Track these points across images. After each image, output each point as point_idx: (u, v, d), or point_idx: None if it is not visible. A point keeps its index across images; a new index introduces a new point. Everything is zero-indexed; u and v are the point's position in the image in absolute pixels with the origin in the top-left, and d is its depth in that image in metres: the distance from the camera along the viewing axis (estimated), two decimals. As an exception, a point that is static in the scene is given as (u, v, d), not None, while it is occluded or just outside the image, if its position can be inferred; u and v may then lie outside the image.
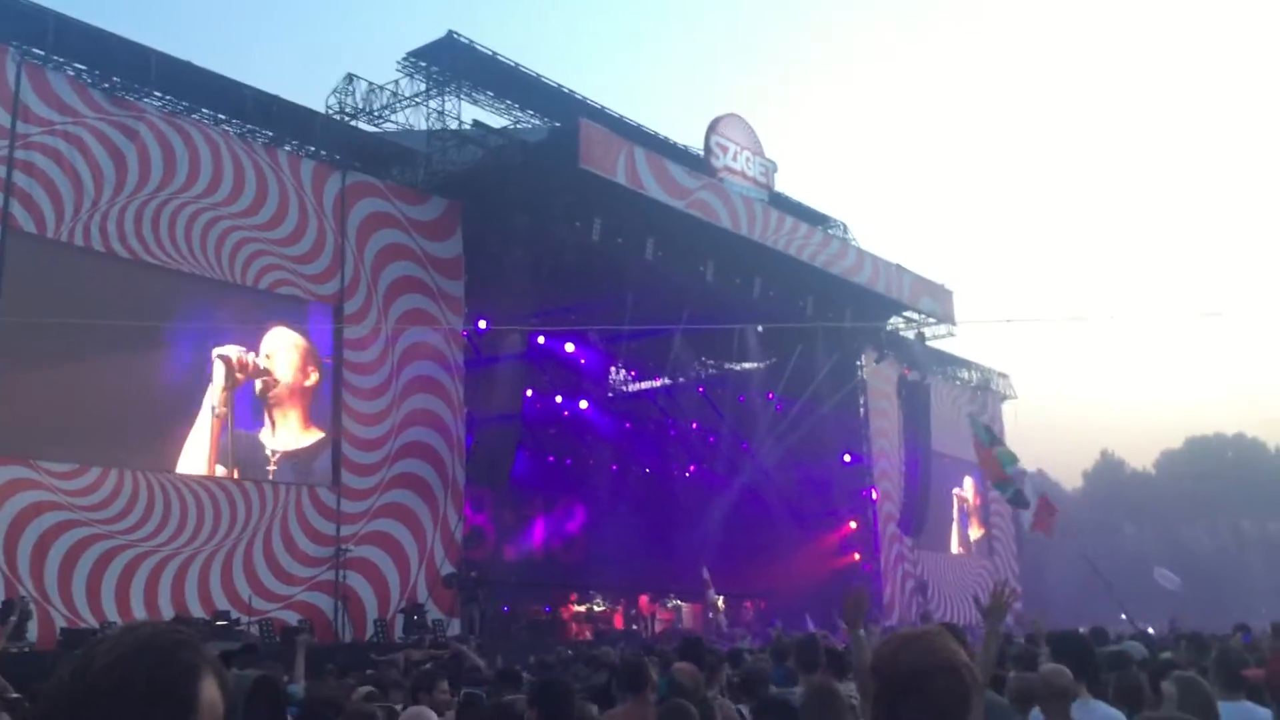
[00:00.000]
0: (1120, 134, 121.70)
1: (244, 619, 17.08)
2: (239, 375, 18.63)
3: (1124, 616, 22.92)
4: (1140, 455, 73.27)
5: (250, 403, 18.86)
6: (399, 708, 6.16)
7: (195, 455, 17.95)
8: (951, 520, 35.60)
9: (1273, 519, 57.32)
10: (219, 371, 18.33)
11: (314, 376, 19.68)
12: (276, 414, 19.17)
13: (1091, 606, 30.31)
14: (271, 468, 18.93)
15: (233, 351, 18.58)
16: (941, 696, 2.12)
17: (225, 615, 17.01)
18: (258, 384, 18.94)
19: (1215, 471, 60.22)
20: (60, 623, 15.26)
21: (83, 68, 17.84)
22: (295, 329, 19.59)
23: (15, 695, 5.93)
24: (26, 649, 13.76)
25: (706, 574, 25.55)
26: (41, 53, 17.17)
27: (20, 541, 15.38)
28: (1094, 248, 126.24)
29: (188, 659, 1.51)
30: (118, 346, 17.11)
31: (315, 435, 19.64)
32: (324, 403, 19.87)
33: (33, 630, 14.67)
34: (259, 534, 18.36)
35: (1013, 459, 15.71)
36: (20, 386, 15.69)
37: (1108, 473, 67.43)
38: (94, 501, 16.41)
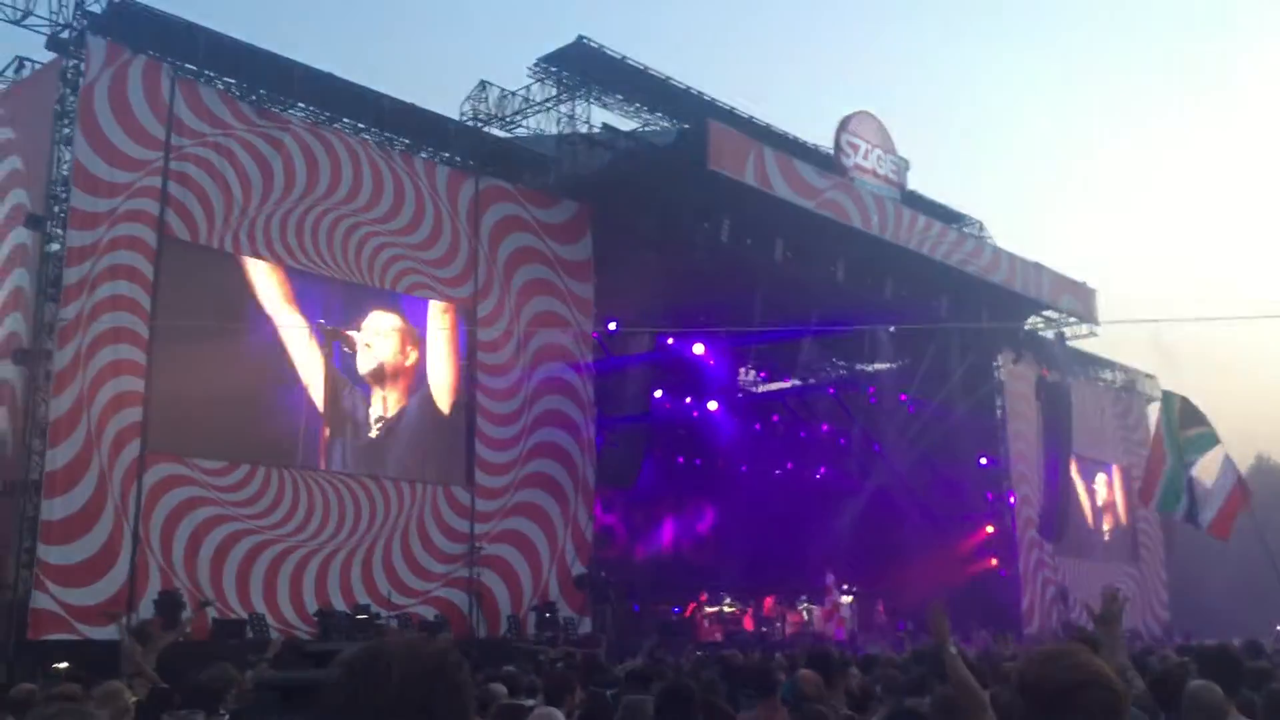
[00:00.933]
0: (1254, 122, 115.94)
1: (383, 613, 17.58)
2: (346, 350, 19.01)
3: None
4: (1298, 458, 69.46)
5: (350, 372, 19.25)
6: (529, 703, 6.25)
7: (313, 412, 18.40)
8: (1090, 523, 34.41)
9: None
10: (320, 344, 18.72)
11: (413, 356, 19.94)
12: (379, 391, 19.46)
13: (1252, 618, 28.95)
14: (373, 434, 19.25)
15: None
16: (1092, 712, 2.12)
17: (365, 609, 17.53)
18: (361, 360, 19.25)
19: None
20: (212, 614, 15.94)
21: (231, 81, 18.61)
22: (394, 312, 19.85)
23: (164, 686, 6.22)
24: (181, 639, 14.43)
25: (831, 579, 25.29)
26: (193, 68, 17.97)
27: (175, 536, 16.13)
28: (1245, 244, 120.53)
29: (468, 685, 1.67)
30: (263, 348, 17.83)
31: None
32: (419, 380, 20.14)
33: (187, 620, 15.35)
34: (397, 530, 18.87)
35: (1207, 443, 13.89)
36: (175, 387, 16.43)
37: (1263, 478, 64.26)
38: (243, 498, 17.10)
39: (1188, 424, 13.95)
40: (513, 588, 19.98)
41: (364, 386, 19.20)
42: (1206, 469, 14.29)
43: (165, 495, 16.15)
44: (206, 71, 18.24)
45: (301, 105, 19.47)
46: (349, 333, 19.04)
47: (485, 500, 20.05)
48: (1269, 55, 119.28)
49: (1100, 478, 34.62)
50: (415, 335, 19.95)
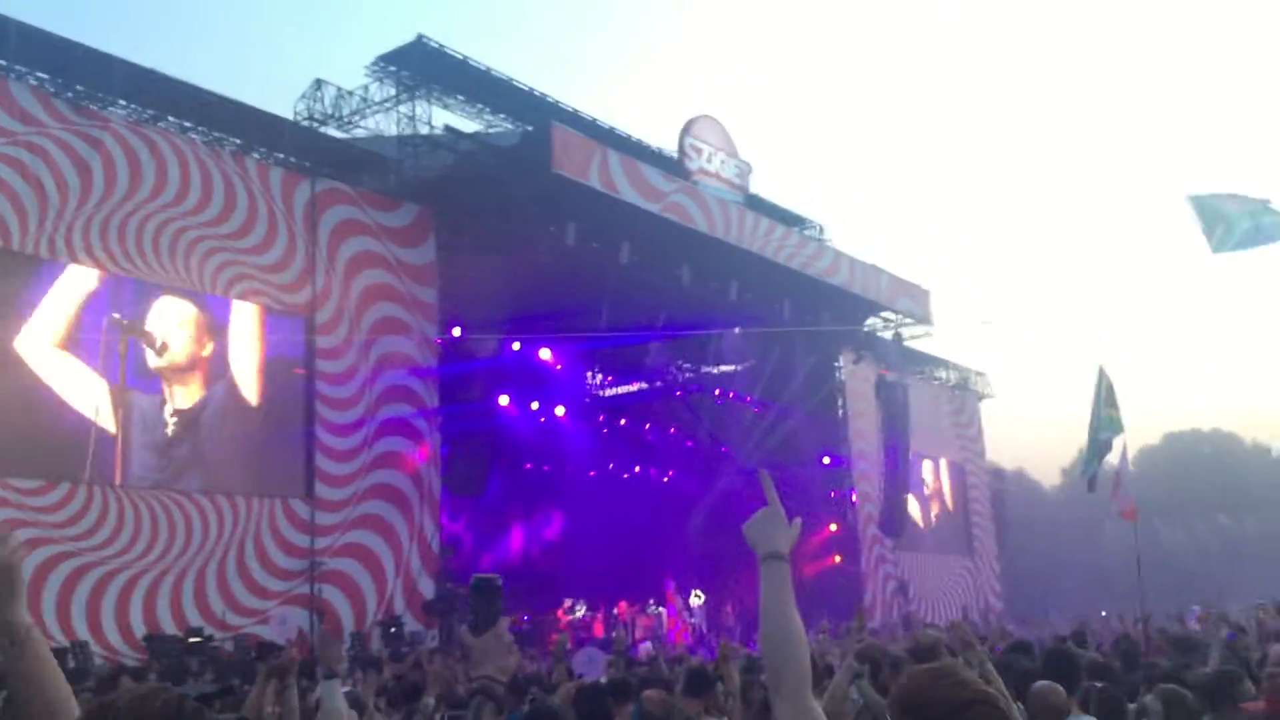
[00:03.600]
0: (1098, 127, 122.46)
1: (218, 635, 16.82)
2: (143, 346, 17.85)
3: (1104, 613, 22.90)
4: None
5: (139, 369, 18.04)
6: None
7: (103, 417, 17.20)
8: (925, 518, 35.56)
9: (1249, 513, 57.62)
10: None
11: (209, 346, 18.85)
12: (175, 383, 18.41)
13: (1078, 602, 30.36)
14: (169, 430, 18.17)
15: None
16: None
17: (199, 632, 16.74)
18: (150, 354, 18.00)
19: (1193, 467, 60.48)
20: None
21: (45, 77, 17.52)
22: (189, 300, 18.63)
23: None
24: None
25: (671, 585, 25.50)
26: (3, 62, 16.86)
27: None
28: (1070, 245, 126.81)
29: None
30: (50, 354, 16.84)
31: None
32: (219, 369, 19.06)
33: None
34: (231, 547, 18.09)
35: (1116, 426, 14.68)
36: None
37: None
38: (61, 518, 16.10)
39: (1110, 403, 14.59)
40: (356, 603, 19.40)
41: (153, 382, 18.01)
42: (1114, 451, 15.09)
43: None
44: (18, 66, 17.11)
45: (123, 102, 18.45)
46: (147, 329, 17.79)
47: (326, 513, 19.41)
48: (1094, 52, 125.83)
49: (927, 466, 35.69)
50: (212, 325, 18.77)
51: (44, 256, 16.59)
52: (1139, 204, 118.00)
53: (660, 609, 26.65)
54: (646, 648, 16.21)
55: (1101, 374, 14.81)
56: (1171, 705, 4.25)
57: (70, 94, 17.64)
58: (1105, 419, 14.56)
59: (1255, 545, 52.44)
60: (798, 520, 2.57)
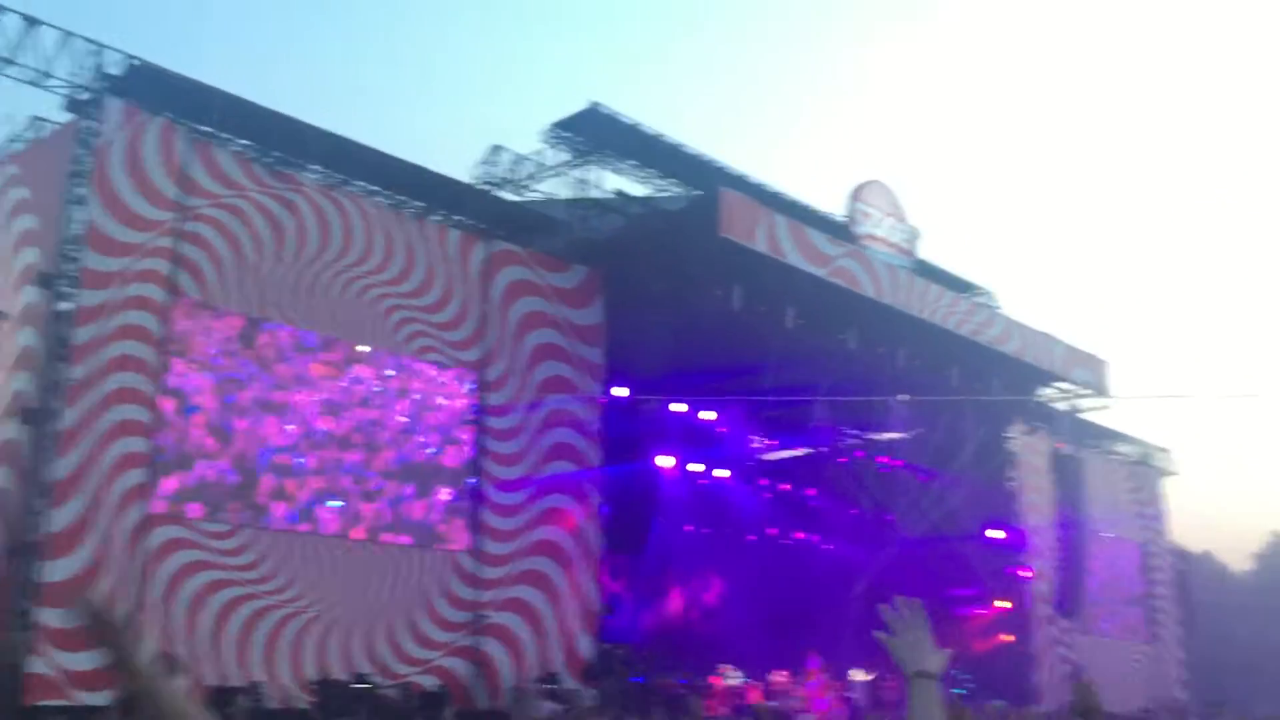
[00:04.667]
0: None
1: (382, 681, 17.23)
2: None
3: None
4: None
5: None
6: None
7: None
8: (1110, 601, 33.83)
9: None
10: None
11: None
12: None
13: (1270, 698, 28.32)
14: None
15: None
16: None
17: (365, 678, 17.20)
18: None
19: None
20: (210, 679, 15.62)
21: (246, 143, 18.70)
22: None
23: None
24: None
25: (817, 663, 25.04)
26: (209, 129, 18.07)
27: (177, 598, 15.88)
28: (1261, 317, 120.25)
29: None
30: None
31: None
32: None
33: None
34: (400, 597, 18.56)
35: None
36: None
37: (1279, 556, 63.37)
38: (244, 562, 16.87)
39: None
40: (516, 657, 19.62)
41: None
42: None
43: (167, 558, 15.95)
44: (221, 134, 18.33)
45: (315, 167, 19.53)
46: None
47: (490, 566, 19.76)
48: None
49: (1106, 545, 34.04)
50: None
51: (237, 310, 17.59)
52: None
53: (820, 678, 26.04)
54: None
55: None
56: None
57: (268, 159, 18.77)
58: None
59: None
60: (948, 652, 2.66)
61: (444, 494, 19.82)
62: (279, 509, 17.66)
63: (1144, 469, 36.84)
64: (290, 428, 18.05)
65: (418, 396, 19.84)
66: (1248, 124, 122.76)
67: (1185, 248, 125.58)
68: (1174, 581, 37.89)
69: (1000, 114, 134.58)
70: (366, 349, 19.14)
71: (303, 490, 18.02)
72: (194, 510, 16.60)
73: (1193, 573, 43.63)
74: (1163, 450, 37.91)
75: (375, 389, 19.22)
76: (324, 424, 18.47)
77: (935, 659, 2.59)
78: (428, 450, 19.77)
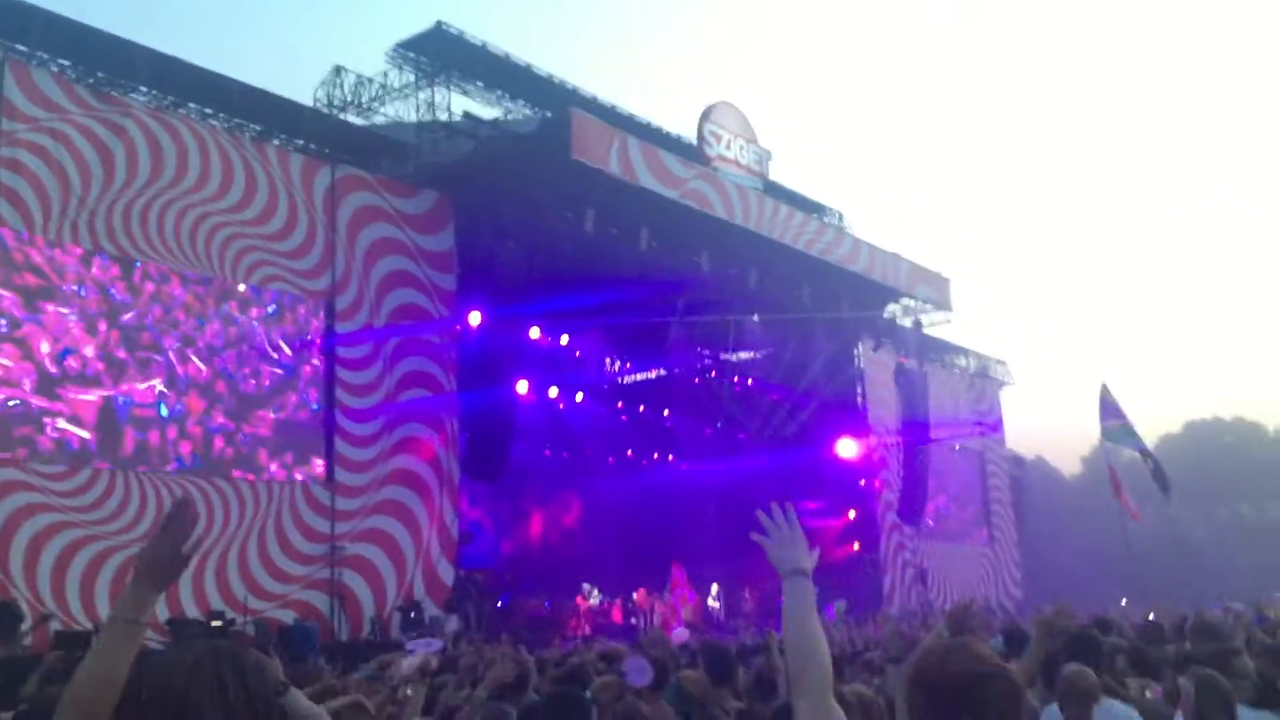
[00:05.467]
0: (1117, 119, 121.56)
1: (240, 619, 16.93)
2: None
3: (1124, 602, 22.85)
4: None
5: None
6: None
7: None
8: (951, 507, 35.49)
9: (1271, 502, 57.28)
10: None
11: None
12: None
13: (1098, 590, 30.24)
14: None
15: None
16: (997, 701, 2.15)
17: (221, 615, 16.85)
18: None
19: (1214, 456, 60.13)
20: (55, 625, 15.07)
21: (68, 64, 17.61)
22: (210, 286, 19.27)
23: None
24: (20, 652, 13.60)
25: (681, 574, 25.67)
26: (25, 49, 16.95)
27: (13, 543, 15.22)
28: (1088, 231, 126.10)
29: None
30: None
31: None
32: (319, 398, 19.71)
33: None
34: (253, 532, 18.20)
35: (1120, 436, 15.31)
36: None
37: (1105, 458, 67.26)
38: (86, 502, 16.25)
39: (1113, 415, 14.88)
40: (376, 588, 19.50)
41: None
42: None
43: (4, 499, 15.24)
44: (40, 53, 17.21)
45: (144, 89, 18.55)
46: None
47: (346, 499, 19.52)
48: (1117, 42, 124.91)
49: (946, 454, 35.53)
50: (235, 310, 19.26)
51: (66, 242, 16.69)
52: (1160, 187, 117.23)
53: (668, 595, 26.67)
54: (682, 633, 16.20)
55: (1105, 391, 14.96)
56: (1203, 687, 4.24)
57: (92, 80, 17.72)
58: (1115, 432, 14.81)
59: (1276, 534, 52.13)
60: (816, 551, 2.82)
61: (294, 425, 19.41)
62: (121, 444, 17.02)
63: (983, 380, 38.51)
64: (128, 360, 17.32)
65: (265, 326, 19.26)
66: (1079, 33, 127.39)
67: (1018, 164, 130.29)
68: (1010, 487, 39.96)
69: (845, 33, 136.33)
70: (207, 277, 18.43)
71: (144, 425, 17.38)
72: (26, 451, 15.86)
73: (1026, 478, 46.05)
74: (1000, 362, 39.69)
75: (219, 320, 18.56)
76: (166, 356, 17.78)
77: (808, 559, 2.74)
78: (276, 382, 19.27)
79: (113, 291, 17.24)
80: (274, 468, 18.94)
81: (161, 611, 16.38)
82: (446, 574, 20.83)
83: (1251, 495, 58.41)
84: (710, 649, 6.21)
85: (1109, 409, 14.90)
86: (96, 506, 16.37)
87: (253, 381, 18.95)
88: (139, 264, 17.55)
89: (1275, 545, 48.65)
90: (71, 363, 16.66)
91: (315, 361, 19.88)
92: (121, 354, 17.24)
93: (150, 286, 17.73)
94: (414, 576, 20.13)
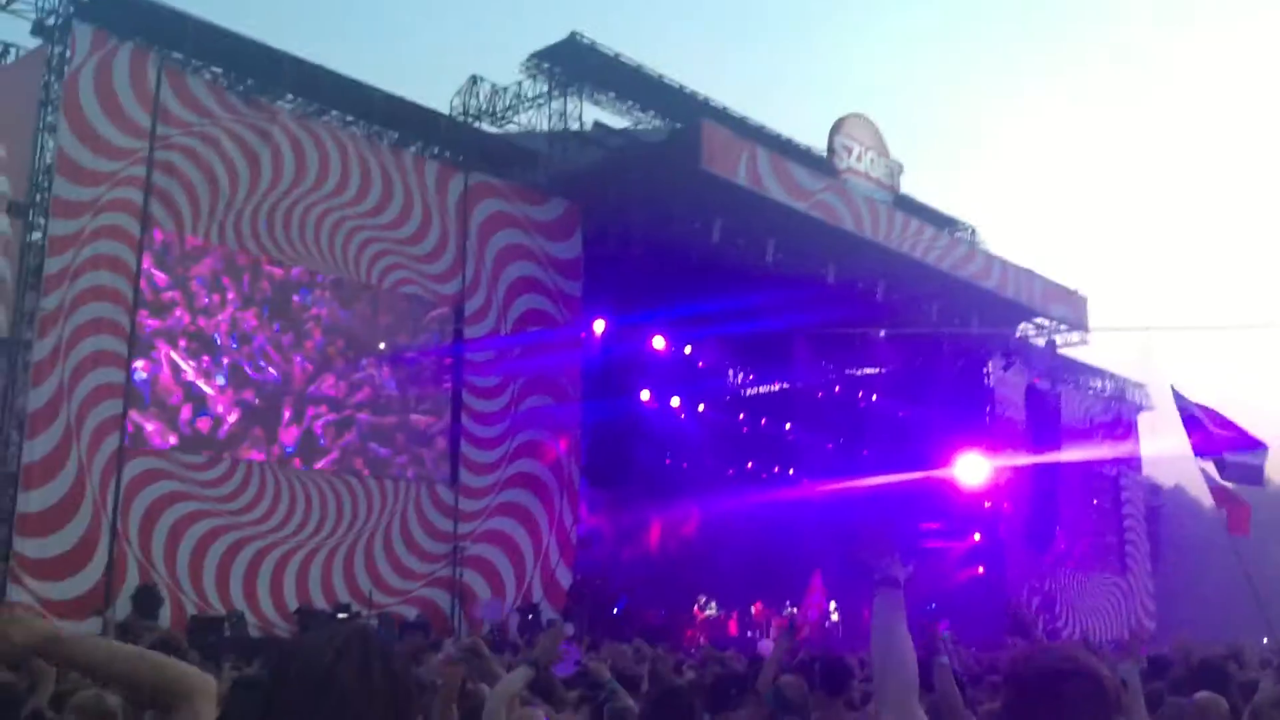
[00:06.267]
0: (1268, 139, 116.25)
1: (364, 612, 17.38)
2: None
3: (1265, 640, 21.75)
4: (1286, 471, 69.54)
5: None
6: None
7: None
8: (1082, 534, 34.33)
9: None
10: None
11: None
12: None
13: (1239, 624, 28.91)
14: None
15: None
16: (1077, 699, 2.14)
17: (346, 608, 17.34)
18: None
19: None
20: (190, 609, 15.72)
21: (219, 71, 18.40)
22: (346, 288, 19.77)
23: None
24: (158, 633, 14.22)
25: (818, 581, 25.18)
26: (181, 56, 17.75)
27: (155, 530, 15.91)
28: (1237, 253, 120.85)
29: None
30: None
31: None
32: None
33: (165, 616, 15.13)
34: (380, 529, 18.67)
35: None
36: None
37: (1255, 489, 64.21)
38: (224, 493, 16.90)
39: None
40: (495, 588, 19.80)
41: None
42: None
43: (144, 489, 15.94)
44: (194, 60, 18.02)
45: (290, 97, 19.26)
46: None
47: (469, 499, 19.87)
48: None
49: (1079, 478, 34.39)
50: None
51: (213, 242, 17.41)
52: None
53: (794, 610, 26.38)
54: (766, 645, 16.10)
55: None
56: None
57: (242, 88, 18.47)
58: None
59: None
60: (910, 566, 2.92)
61: (425, 427, 19.87)
62: (260, 440, 17.66)
63: (1120, 404, 37.18)
64: (266, 361, 17.98)
65: (398, 330, 19.78)
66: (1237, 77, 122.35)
67: (1163, 182, 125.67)
68: (1146, 516, 38.45)
69: (979, 45, 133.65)
70: (342, 279, 19.02)
71: (283, 422, 18.02)
72: (170, 440, 16.57)
73: (1164, 507, 44.26)
74: (1139, 386, 38.25)
75: (354, 321, 19.13)
76: (302, 356, 18.41)
77: (900, 570, 2.83)
78: (406, 383, 19.77)
79: (253, 291, 17.91)
80: (402, 466, 19.40)
81: (291, 601, 16.98)
82: (564, 578, 21.04)
83: None
84: (827, 661, 6.14)
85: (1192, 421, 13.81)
86: (233, 497, 17.00)
87: (384, 382, 19.47)
88: (280, 265, 18.21)
89: None
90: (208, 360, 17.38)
91: (444, 364, 20.31)
92: (263, 353, 17.90)
93: (289, 287, 18.38)
94: (533, 579, 20.39)
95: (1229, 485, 14.12)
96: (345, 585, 17.90)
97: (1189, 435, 13.64)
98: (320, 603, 17.31)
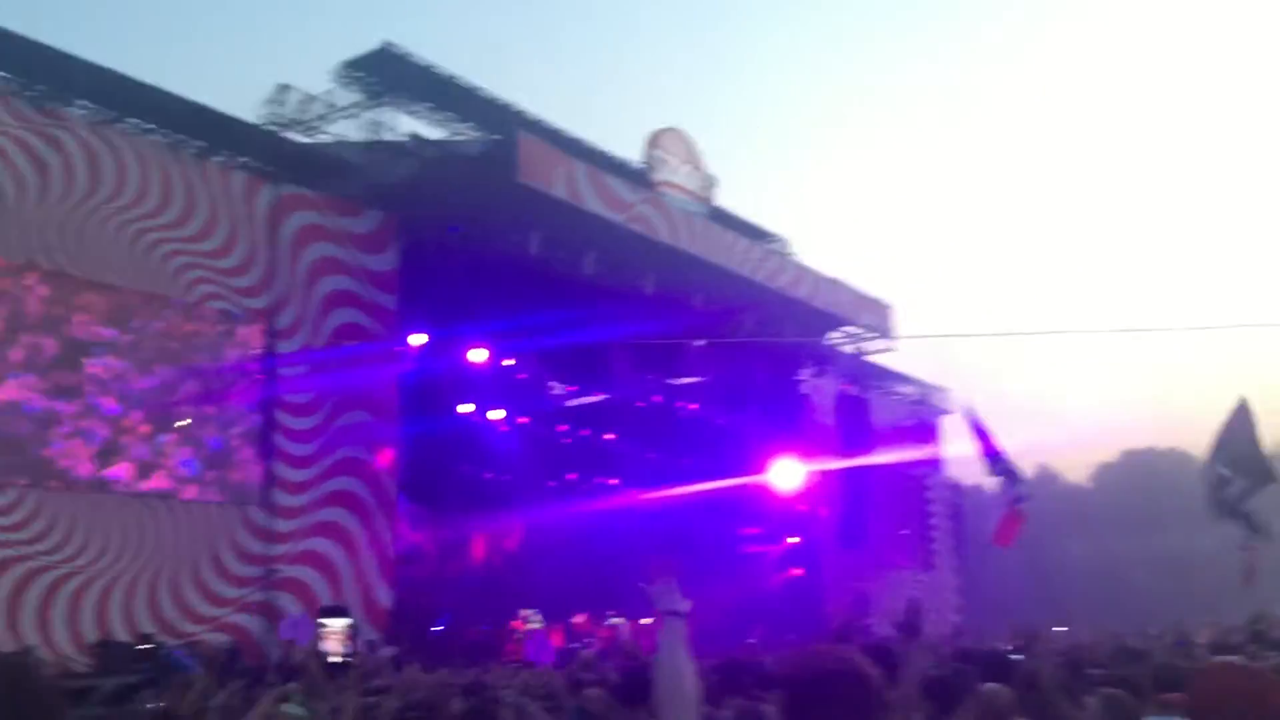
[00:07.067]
0: (1064, 151, 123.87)
1: (169, 642, 16.64)
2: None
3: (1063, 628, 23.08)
4: (1077, 469, 74.09)
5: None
6: None
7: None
8: (892, 533, 35.74)
9: (1199, 532, 58.28)
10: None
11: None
12: None
13: (1026, 621, 30.55)
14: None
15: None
16: (844, 698, 2.21)
17: (150, 638, 16.55)
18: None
19: (1149, 485, 61.14)
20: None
21: (6, 76, 17.34)
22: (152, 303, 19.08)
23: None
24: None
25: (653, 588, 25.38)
26: (-39, 60, 16.67)
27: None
28: (1033, 265, 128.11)
29: None
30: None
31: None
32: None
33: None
34: (187, 554, 17.92)
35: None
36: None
37: (1044, 486, 68.21)
38: (12, 521, 15.91)
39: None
40: (311, 611, 19.24)
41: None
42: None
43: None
44: (-22, 64, 16.94)
45: (84, 103, 18.29)
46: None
47: (283, 520, 19.28)
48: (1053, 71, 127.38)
49: (886, 480, 35.82)
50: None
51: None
52: (1101, 213, 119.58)
53: (619, 619, 26.54)
54: (589, 655, 16.17)
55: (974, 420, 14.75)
56: (1110, 708, 4.33)
57: (30, 93, 17.46)
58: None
59: (1205, 563, 53.06)
60: (689, 602, 3.16)
61: (234, 446, 19.16)
62: (53, 465, 16.69)
63: (923, 407, 38.90)
64: (62, 381, 17.02)
65: (203, 344, 19.01)
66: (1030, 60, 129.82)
67: (964, 195, 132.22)
68: (950, 513, 40.36)
69: (791, 62, 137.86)
70: (143, 292, 18.18)
71: (77, 445, 17.07)
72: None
73: (966, 505, 46.48)
74: (942, 390, 40.10)
75: (155, 336, 18.30)
76: (100, 373, 17.50)
77: (682, 604, 3.07)
78: (214, 400, 19.02)
79: (42, 305, 16.95)
80: (209, 487, 18.66)
81: (90, 633, 16.12)
82: (385, 597, 20.65)
83: (1183, 526, 59.43)
84: (626, 672, 6.21)
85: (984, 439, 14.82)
86: (21, 526, 16.03)
87: (190, 400, 18.69)
88: (72, 277, 17.28)
89: (1205, 574, 49.47)
90: None
91: (254, 381, 19.65)
92: (53, 370, 16.94)
93: (82, 300, 17.45)
94: (351, 600, 19.90)
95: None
96: (150, 614, 17.10)
97: (980, 449, 14.50)
98: (123, 634, 16.48)
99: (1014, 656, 7.01)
